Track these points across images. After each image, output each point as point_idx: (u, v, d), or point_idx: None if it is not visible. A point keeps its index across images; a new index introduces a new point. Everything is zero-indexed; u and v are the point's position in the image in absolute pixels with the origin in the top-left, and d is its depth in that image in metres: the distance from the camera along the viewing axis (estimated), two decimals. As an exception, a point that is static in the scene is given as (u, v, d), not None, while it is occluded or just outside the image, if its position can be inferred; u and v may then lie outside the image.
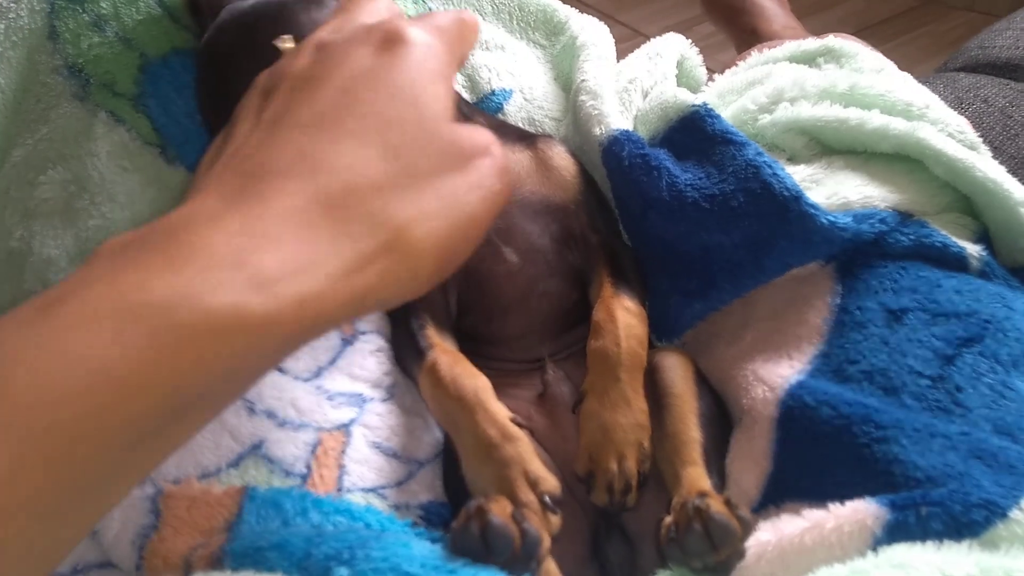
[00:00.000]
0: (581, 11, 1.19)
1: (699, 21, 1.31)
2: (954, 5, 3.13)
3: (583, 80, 1.00)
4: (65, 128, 0.88)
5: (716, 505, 0.68)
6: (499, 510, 0.65)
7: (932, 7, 3.16)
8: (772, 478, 0.77)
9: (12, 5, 0.92)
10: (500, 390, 0.80)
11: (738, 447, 0.81)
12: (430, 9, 1.14)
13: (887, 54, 1.06)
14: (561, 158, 0.94)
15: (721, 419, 0.84)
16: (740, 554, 0.68)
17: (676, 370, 0.85)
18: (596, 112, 0.95)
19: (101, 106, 0.89)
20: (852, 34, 1.29)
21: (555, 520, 0.72)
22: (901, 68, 1.03)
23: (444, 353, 0.82)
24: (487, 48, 1.11)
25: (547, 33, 1.17)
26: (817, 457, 0.74)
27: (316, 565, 0.60)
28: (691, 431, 0.80)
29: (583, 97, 0.98)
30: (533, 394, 0.87)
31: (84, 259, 0.81)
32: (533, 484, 0.73)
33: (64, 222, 0.85)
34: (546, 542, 0.68)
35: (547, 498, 0.72)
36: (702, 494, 0.70)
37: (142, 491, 0.68)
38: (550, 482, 0.73)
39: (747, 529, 0.67)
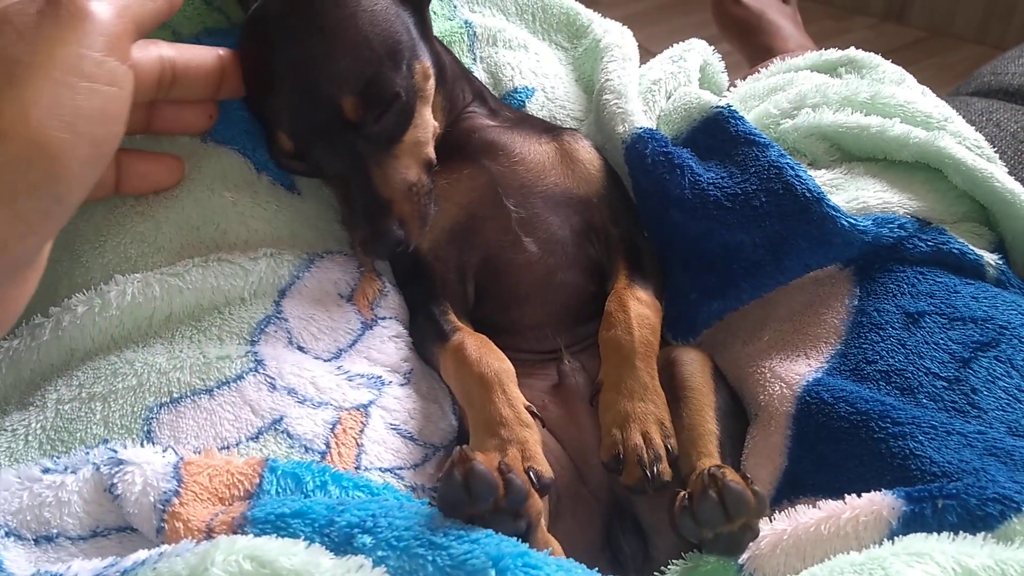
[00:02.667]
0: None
1: (714, 40, 1.32)
2: (963, 38, 3.16)
3: (607, 80, 1.01)
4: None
5: (731, 475, 0.68)
6: (484, 460, 0.64)
7: (942, 39, 3.19)
8: (787, 473, 0.77)
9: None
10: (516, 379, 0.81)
11: (753, 443, 0.81)
12: (455, 8, 1.15)
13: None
14: (586, 151, 0.95)
15: (738, 415, 0.85)
16: (753, 531, 0.68)
17: (694, 364, 0.85)
18: (620, 111, 0.97)
19: None
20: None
21: (538, 502, 0.70)
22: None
23: (471, 335, 0.83)
24: (510, 47, 1.12)
25: (569, 35, 1.19)
26: (833, 452, 0.74)
27: (339, 532, 0.60)
28: (708, 424, 0.80)
29: (607, 96, 0.99)
30: (548, 384, 0.88)
31: (111, 232, 0.83)
32: (526, 461, 0.72)
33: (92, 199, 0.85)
34: (537, 505, 0.67)
35: (533, 473, 0.71)
36: (717, 466, 0.71)
37: (164, 458, 0.69)
38: (544, 466, 0.73)
39: (762, 504, 0.67)
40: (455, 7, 1.15)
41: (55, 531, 0.67)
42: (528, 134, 0.95)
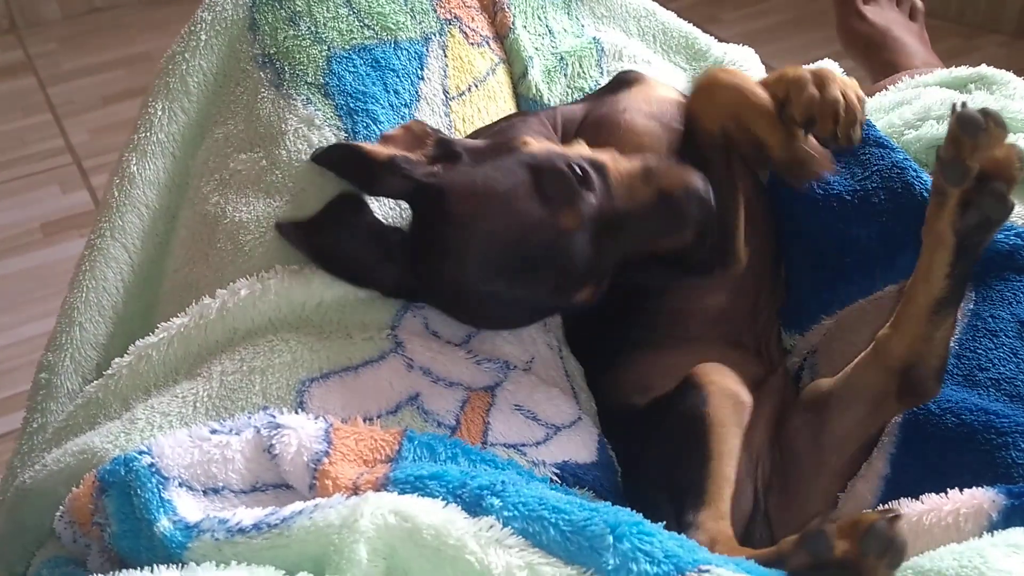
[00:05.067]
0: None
1: (838, 56, 1.34)
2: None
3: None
4: (261, 111, 0.99)
5: None
6: None
7: (1082, 58, 3.08)
8: (889, 481, 0.80)
9: (219, -2, 1.05)
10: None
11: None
12: (583, 27, 1.21)
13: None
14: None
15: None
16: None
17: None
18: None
19: (294, 94, 0.99)
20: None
21: None
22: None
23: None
24: (635, 62, 1.18)
25: (688, 57, 1.25)
26: (937, 461, 0.77)
27: (470, 494, 0.67)
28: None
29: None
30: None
31: (271, 225, 0.92)
32: None
33: (256, 192, 0.95)
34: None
35: None
36: None
37: (316, 424, 0.77)
38: None
39: None
40: (583, 26, 1.21)
41: (220, 484, 0.75)
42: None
